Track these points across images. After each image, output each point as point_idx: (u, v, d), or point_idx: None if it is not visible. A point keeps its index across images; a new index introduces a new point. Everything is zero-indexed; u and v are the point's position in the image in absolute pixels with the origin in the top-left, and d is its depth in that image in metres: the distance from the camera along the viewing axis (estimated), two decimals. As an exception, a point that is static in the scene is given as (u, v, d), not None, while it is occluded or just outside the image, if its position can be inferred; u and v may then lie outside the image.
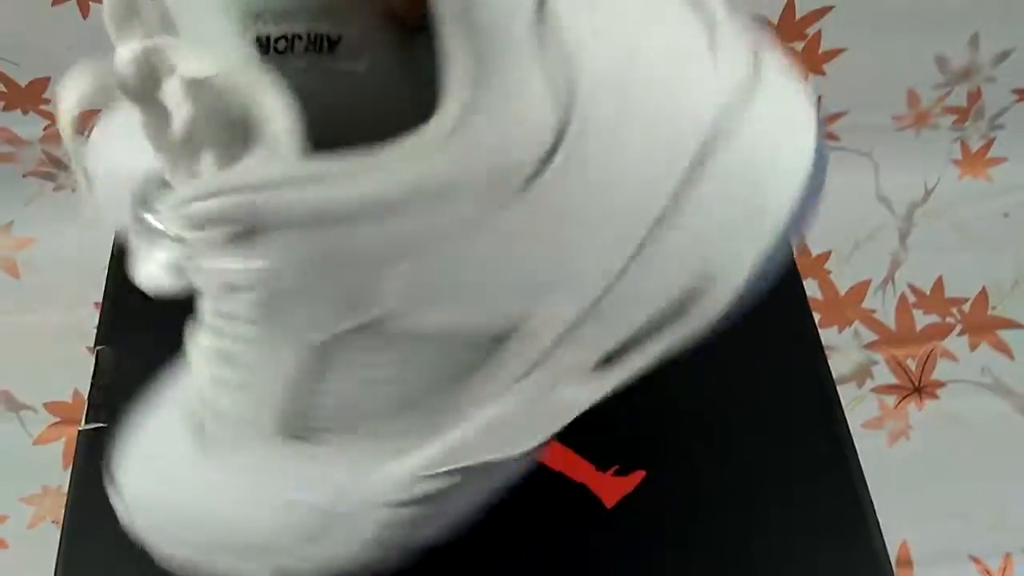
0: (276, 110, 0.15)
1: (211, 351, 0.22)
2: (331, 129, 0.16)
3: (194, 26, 0.16)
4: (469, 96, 0.15)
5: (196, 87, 0.15)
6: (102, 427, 0.39)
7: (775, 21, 0.50)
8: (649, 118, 0.17)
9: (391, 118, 0.16)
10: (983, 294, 0.55)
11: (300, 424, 0.22)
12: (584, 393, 0.21)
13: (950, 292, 0.55)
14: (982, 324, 0.54)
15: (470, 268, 0.17)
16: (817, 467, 0.36)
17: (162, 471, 0.26)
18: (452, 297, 0.18)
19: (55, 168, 0.55)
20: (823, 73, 0.53)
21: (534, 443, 0.22)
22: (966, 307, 0.55)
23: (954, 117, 0.56)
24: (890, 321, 0.54)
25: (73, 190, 0.56)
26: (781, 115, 0.20)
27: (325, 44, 0.18)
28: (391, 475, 0.22)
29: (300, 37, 0.17)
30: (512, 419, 0.21)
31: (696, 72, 0.18)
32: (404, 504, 0.23)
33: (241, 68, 0.15)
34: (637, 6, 0.17)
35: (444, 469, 0.22)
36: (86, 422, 0.40)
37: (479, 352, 0.19)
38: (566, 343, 0.19)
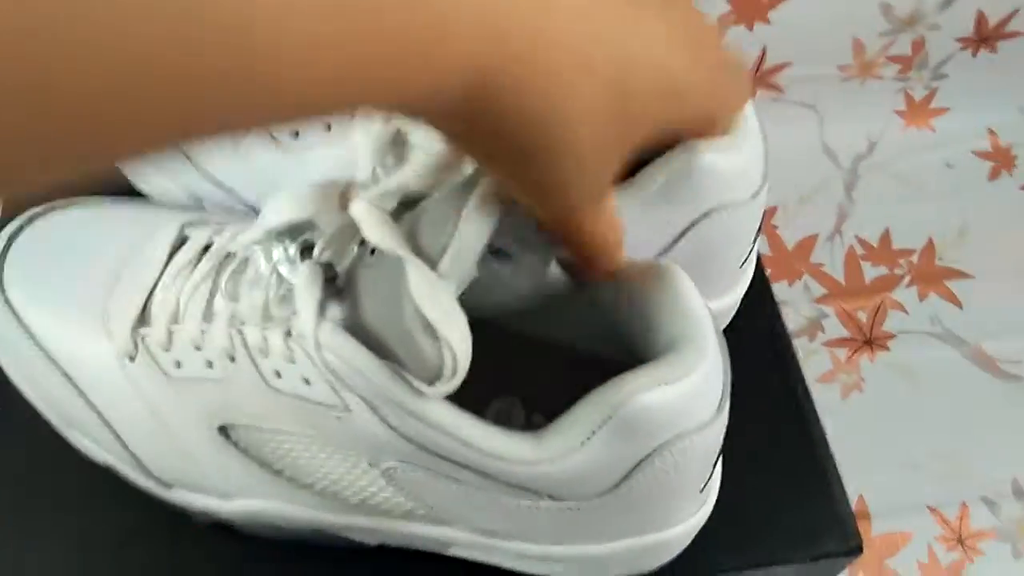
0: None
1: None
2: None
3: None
4: None
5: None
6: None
7: (720, -35, 0.49)
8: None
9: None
10: (930, 245, 0.54)
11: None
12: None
13: (897, 244, 0.54)
14: (930, 274, 0.53)
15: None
16: (778, 428, 0.35)
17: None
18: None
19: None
20: (768, 21, 0.51)
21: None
22: (914, 258, 0.54)
23: (898, 67, 0.55)
24: (839, 274, 0.53)
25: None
26: None
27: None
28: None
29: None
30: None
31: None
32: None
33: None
34: None
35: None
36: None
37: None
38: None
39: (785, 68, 0.54)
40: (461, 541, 0.30)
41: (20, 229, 0.32)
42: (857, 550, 0.33)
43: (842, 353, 0.50)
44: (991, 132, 0.58)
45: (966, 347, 0.51)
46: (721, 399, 0.25)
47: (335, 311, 0.24)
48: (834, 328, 0.51)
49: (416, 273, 0.21)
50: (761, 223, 0.34)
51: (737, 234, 0.31)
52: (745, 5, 0.50)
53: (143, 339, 0.28)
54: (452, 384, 0.21)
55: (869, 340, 0.51)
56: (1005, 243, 0.54)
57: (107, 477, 0.33)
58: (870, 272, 0.53)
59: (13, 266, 0.31)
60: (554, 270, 0.28)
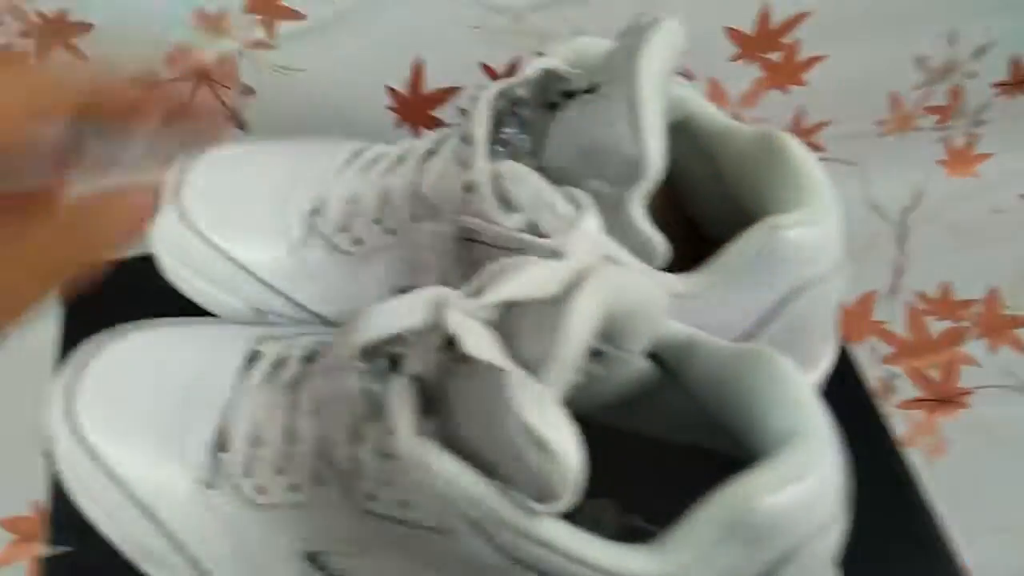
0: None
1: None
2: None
3: None
4: None
5: None
6: (68, 552, 0.34)
7: (750, 32, 0.49)
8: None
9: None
10: (993, 293, 0.53)
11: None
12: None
13: (960, 295, 0.53)
14: (998, 325, 0.52)
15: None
16: (880, 493, 0.33)
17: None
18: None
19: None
20: (803, 83, 0.51)
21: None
22: (978, 309, 0.52)
23: (936, 117, 0.55)
24: (903, 331, 0.52)
25: None
26: None
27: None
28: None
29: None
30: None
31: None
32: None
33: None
34: None
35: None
36: (51, 544, 0.35)
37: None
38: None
39: (824, 128, 0.54)
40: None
41: (85, 364, 0.32)
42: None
43: (919, 415, 0.49)
44: (1037, 174, 0.57)
45: (1047, 397, 0.49)
46: (843, 501, 0.24)
47: (428, 427, 0.23)
48: (906, 389, 0.50)
49: (521, 386, 0.20)
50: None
51: (824, 309, 0.30)
52: (778, 69, 0.50)
53: (221, 465, 0.27)
54: (567, 501, 0.20)
55: (946, 398, 0.49)
56: (1070, 285, 0.52)
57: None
58: (935, 326, 0.52)
59: (84, 397, 0.31)
60: (644, 364, 0.27)
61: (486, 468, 0.21)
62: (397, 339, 0.23)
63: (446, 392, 0.23)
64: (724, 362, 0.25)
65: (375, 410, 0.23)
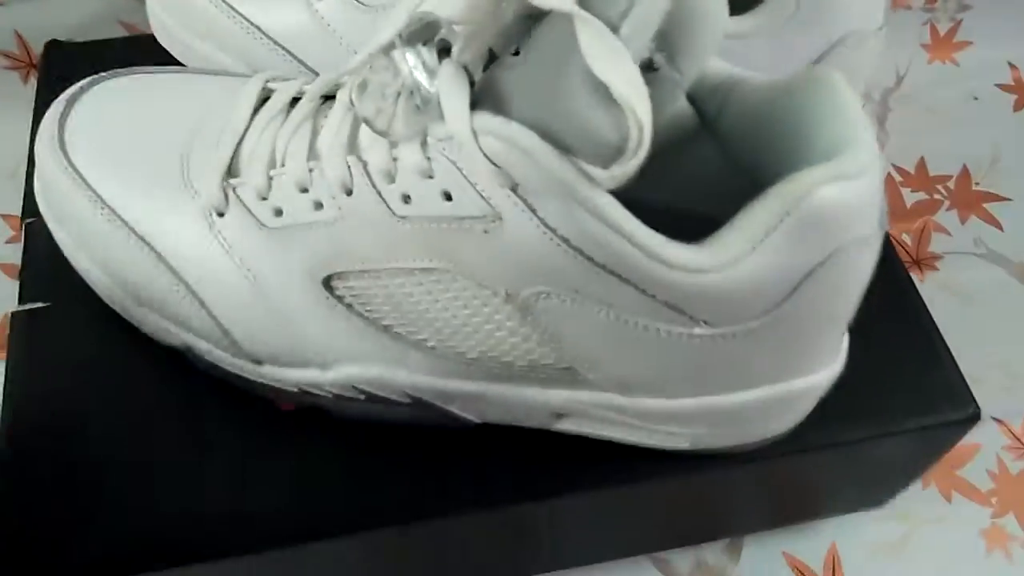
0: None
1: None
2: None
3: None
4: None
5: None
6: (40, 307, 0.32)
7: None
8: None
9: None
10: (965, 172, 0.54)
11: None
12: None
13: (933, 171, 0.54)
14: (968, 198, 0.53)
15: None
16: (884, 302, 0.34)
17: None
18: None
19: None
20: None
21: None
22: (951, 184, 0.54)
23: (926, -5, 0.56)
24: (880, 200, 0.53)
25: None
26: None
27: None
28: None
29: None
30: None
31: None
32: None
33: None
34: None
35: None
36: (21, 302, 0.33)
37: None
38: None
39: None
40: (578, 406, 0.28)
41: (75, 98, 0.30)
42: (975, 417, 0.32)
43: (891, 274, 0.50)
44: (1012, 66, 0.58)
45: (1011, 265, 0.51)
46: (882, 216, 0.24)
47: (489, 115, 0.22)
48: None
49: (594, 34, 0.19)
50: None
51: (863, 71, 0.30)
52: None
53: (234, 190, 0.26)
54: (635, 162, 0.20)
55: (917, 260, 0.51)
56: (1038, 168, 0.54)
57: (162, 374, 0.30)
58: (910, 197, 0.53)
59: (74, 133, 0.29)
60: (683, 106, 0.26)
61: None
62: (437, 27, 0.22)
63: (500, 84, 0.22)
64: (769, 93, 0.24)
65: (420, 105, 0.22)
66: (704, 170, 0.27)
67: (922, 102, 0.57)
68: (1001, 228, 0.52)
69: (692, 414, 0.27)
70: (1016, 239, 0.52)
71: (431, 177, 0.22)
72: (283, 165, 0.25)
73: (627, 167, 0.20)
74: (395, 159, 0.23)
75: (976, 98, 0.57)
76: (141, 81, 0.30)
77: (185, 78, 0.31)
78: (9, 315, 0.32)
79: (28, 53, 0.45)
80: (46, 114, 0.29)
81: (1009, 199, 0.53)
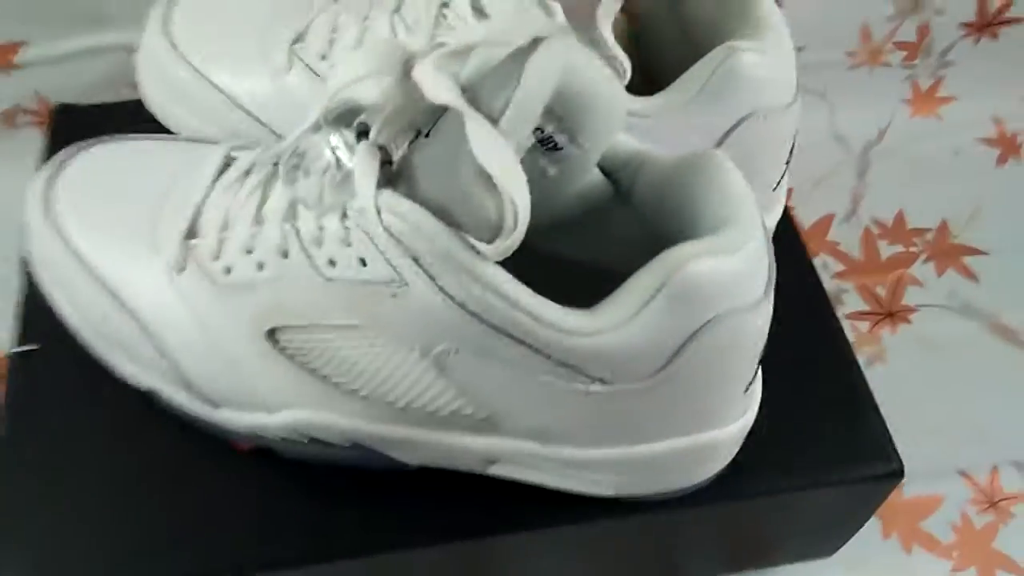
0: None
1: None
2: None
3: None
4: None
5: None
6: (34, 349, 0.35)
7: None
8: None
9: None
10: (944, 225, 0.55)
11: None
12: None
13: (912, 224, 0.55)
14: (946, 251, 0.54)
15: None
16: (814, 355, 0.35)
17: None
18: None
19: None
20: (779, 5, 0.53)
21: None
22: (929, 237, 0.55)
23: (905, 53, 0.57)
24: (856, 252, 0.54)
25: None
26: None
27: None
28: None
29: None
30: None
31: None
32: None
33: None
34: None
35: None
36: (18, 343, 0.36)
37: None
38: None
39: (797, 54, 0.55)
40: (504, 452, 0.30)
41: (65, 162, 0.33)
42: (899, 473, 0.33)
43: (864, 326, 0.51)
44: (996, 121, 0.59)
45: (985, 320, 0.51)
46: (767, 284, 0.25)
47: (391, 192, 0.24)
48: (854, 302, 0.52)
49: (477, 127, 0.21)
50: (792, 148, 0.35)
51: (773, 145, 0.32)
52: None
53: (192, 250, 0.29)
54: (513, 240, 0.22)
55: (890, 313, 0.51)
56: (1018, 222, 0.55)
57: (142, 415, 0.33)
58: (887, 250, 0.54)
59: (60, 193, 0.32)
60: (597, 178, 0.29)
61: (441, 217, 0.23)
62: (361, 111, 0.25)
63: (412, 162, 0.24)
64: (670, 169, 0.26)
65: (343, 179, 0.25)
66: (625, 234, 0.29)
67: (903, 155, 0.58)
68: (977, 281, 0.53)
69: (606, 463, 0.29)
70: (992, 293, 0.52)
71: (349, 245, 0.25)
72: (232, 228, 0.28)
73: (508, 242, 0.22)
74: (321, 228, 0.25)
75: (958, 153, 0.58)
76: (127, 147, 0.34)
77: (164, 145, 0.34)
78: (7, 357, 0.35)
79: (49, 111, 0.50)
80: (38, 173, 0.33)
81: (986, 253, 0.54)
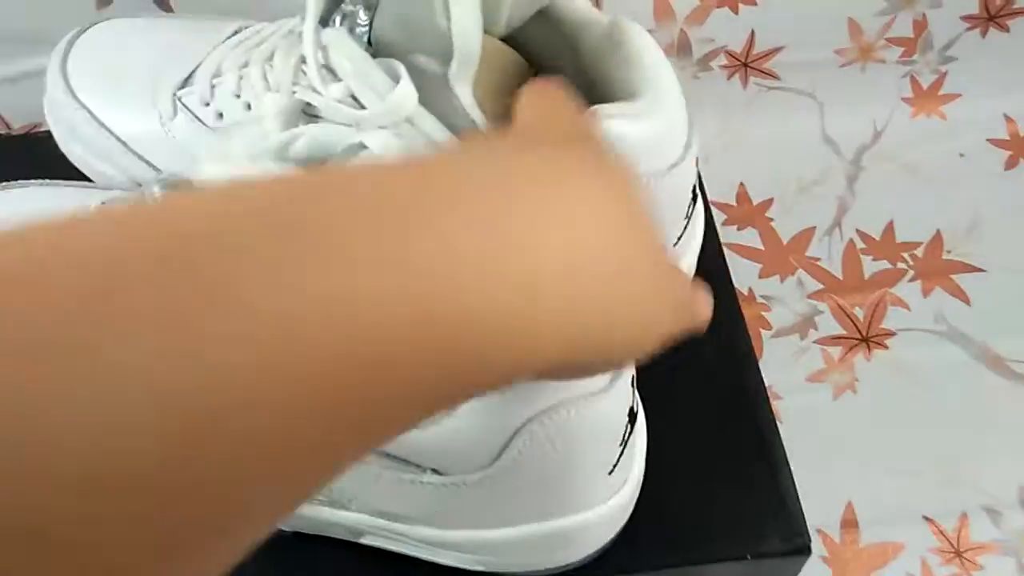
0: None
1: None
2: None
3: None
4: None
5: None
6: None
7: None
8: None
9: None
10: (937, 238, 0.51)
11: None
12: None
13: (901, 237, 0.51)
14: (936, 269, 0.50)
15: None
16: (725, 420, 0.33)
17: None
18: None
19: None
20: (754, 3, 0.49)
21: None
22: (919, 252, 0.51)
23: (902, 50, 0.52)
24: (836, 269, 0.50)
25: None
26: None
27: None
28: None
29: None
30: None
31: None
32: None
33: None
34: None
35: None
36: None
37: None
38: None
39: (777, 53, 0.52)
40: (367, 527, 0.29)
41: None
42: (804, 550, 0.31)
43: (836, 352, 0.47)
44: (1007, 119, 0.54)
45: (973, 346, 0.47)
46: (615, 378, 0.23)
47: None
48: (828, 325, 0.48)
49: None
50: (695, 198, 0.32)
51: (668, 206, 0.29)
52: (731, -12, 0.49)
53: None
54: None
55: (866, 338, 0.48)
56: (1021, 236, 0.50)
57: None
58: (870, 267, 0.50)
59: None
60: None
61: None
62: None
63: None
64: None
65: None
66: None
67: (900, 160, 0.54)
68: (969, 303, 0.49)
69: (465, 544, 0.27)
70: (983, 316, 0.48)
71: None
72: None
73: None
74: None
75: (963, 155, 0.54)
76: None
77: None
78: None
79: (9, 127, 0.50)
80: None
81: (983, 270, 0.50)
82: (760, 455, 0.32)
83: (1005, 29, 0.51)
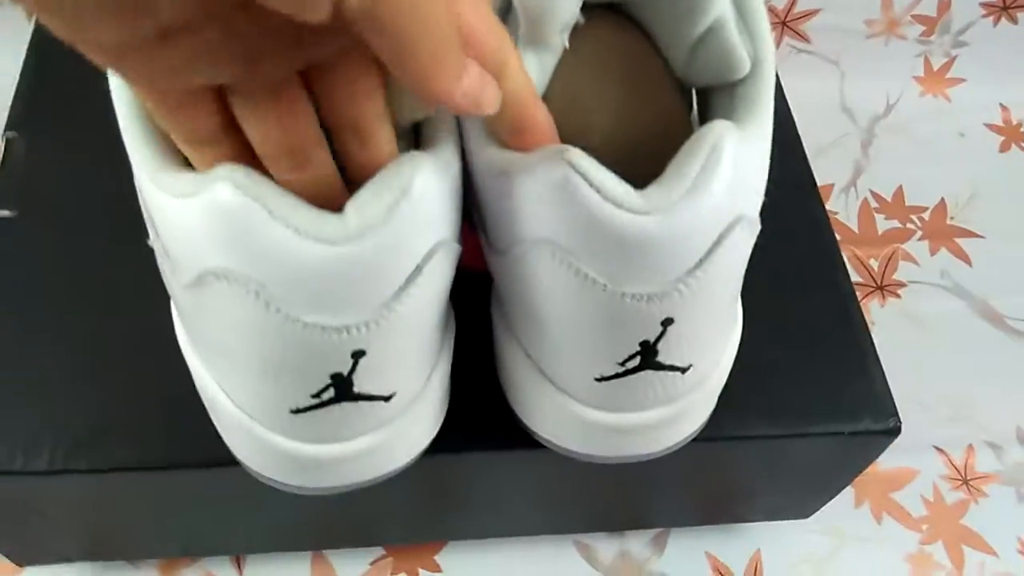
0: None
1: None
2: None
3: None
4: None
5: None
6: (8, 216, 0.33)
7: None
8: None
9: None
10: (942, 204, 0.55)
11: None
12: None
13: (911, 201, 0.55)
14: (941, 231, 0.54)
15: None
16: (819, 305, 0.34)
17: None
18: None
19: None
20: None
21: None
22: (926, 215, 0.54)
23: (922, 28, 0.56)
24: (853, 223, 0.53)
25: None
26: None
27: None
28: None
29: None
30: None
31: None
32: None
33: None
34: None
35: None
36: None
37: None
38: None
39: (815, 15, 0.54)
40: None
41: None
42: (895, 431, 0.32)
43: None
44: (1003, 107, 0.59)
45: (974, 301, 0.51)
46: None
47: None
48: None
49: None
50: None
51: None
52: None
53: None
54: None
55: (880, 286, 0.51)
56: (1015, 209, 0.55)
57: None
58: (883, 224, 0.54)
59: None
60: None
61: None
62: None
63: None
64: None
65: None
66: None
67: (908, 133, 0.58)
68: (970, 263, 0.53)
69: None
70: (983, 276, 0.52)
71: None
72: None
73: None
74: None
75: (963, 135, 0.58)
76: None
77: None
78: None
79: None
80: None
81: (982, 236, 0.54)
82: (853, 341, 0.33)
83: (1014, 20, 0.56)
